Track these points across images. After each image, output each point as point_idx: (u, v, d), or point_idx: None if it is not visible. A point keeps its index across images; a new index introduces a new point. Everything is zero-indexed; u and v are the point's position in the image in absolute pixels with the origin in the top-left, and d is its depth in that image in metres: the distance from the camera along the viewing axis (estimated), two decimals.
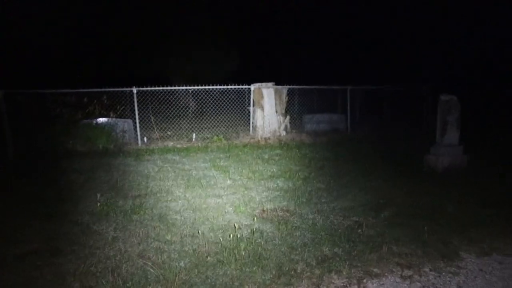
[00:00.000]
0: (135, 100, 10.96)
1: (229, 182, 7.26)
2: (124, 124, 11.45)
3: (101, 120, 11.20)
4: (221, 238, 4.53)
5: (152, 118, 11.56)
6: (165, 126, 12.32)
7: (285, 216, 5.37)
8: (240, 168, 8.38)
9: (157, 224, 5.06)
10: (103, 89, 10.90)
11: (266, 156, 9.85)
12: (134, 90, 10.93)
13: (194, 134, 11.92)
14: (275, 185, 6.98)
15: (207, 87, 11.49)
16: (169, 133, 12.40)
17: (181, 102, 11.68)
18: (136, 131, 11.19)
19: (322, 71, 20.12)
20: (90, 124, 11.02)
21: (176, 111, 11.91)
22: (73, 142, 10.73)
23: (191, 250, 4.25)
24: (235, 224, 5.00)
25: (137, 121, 11.10)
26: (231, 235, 4.54)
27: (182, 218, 5.28)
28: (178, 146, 11.19)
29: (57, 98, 10.84)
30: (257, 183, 7.15)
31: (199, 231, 4.78)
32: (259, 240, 4.50)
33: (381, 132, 13.10)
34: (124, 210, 5.60)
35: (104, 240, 4.60)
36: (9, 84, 10.35)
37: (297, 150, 10.58)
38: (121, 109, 11.20)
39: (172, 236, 4.65)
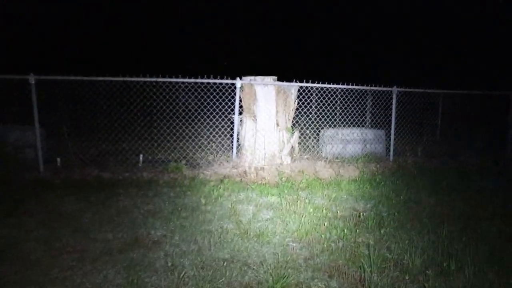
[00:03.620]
0: (34, 95, 6.36)
1: None
2: (20, 134, 6.89)
3: None
4: None
5: (65, 128, 6.94)
6: (96, 140, 7.70)
7: None
8: (184, 252, 3.82)
9: None
10: None
11: (251, 211, 5.24)
12: (32, 79, 6.32)
13: (141, 156, 7.31)
14: None
15: (161, 79, 6.82)
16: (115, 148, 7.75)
17: (118, 102, 7.05)
18: (37, 148, 6.58)
19: (342, 67, 15.19)
20: None
21: (112, 115, 7.27)
22: None
23: None
24: None
25: (37, 132, 6.49)
26: None
27: None
28: (106, 176, 6.57)
29: None
30: None
31: None
32: None
33: (443, 158, 8.42)
34: None
35: None
36: None
37: (308, 196, 5.95)
38: (8, 110, 6.67)
39: None
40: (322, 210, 5.32)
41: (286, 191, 6.12)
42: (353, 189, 6.43)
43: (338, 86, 7.84)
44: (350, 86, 7.95)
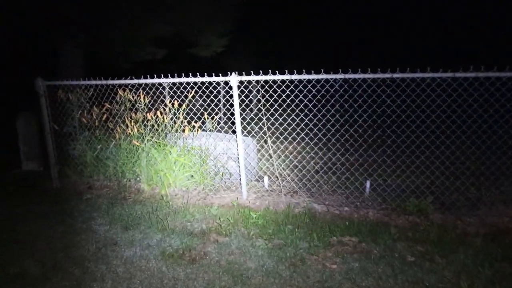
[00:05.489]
0: (236, 99, 5.09)
1: None
2: (226, 145, 5.83)
3: (188, 136, 5.88)
4: None
5: (269, 141, 5.44)
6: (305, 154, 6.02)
7: None
8: None
9: None
10: (160, 80, 5.44)
11: None
12: (234, 80, 5.04)
13: (368, 182, 5.27)
14: None
15: (408, 73, 4.55)
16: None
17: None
18: (239, 164, 5.34)
19: None
20: (161, 144, 5.89)
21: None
22: (131, 177, 5.93)
23: None
24: None
25: (239, 143, 5.22)
26: None
27: None
28: (317, 209, 4.82)
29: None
30: None
31: None
32: None
33: None
34: None
35: None
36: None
37: None
38: (212, 118, 5.65)
39: None
40: None
41: None
42: None
43: None
44: None
